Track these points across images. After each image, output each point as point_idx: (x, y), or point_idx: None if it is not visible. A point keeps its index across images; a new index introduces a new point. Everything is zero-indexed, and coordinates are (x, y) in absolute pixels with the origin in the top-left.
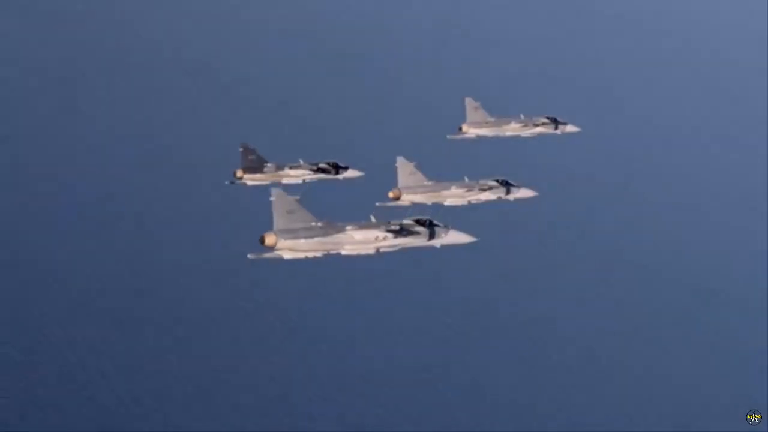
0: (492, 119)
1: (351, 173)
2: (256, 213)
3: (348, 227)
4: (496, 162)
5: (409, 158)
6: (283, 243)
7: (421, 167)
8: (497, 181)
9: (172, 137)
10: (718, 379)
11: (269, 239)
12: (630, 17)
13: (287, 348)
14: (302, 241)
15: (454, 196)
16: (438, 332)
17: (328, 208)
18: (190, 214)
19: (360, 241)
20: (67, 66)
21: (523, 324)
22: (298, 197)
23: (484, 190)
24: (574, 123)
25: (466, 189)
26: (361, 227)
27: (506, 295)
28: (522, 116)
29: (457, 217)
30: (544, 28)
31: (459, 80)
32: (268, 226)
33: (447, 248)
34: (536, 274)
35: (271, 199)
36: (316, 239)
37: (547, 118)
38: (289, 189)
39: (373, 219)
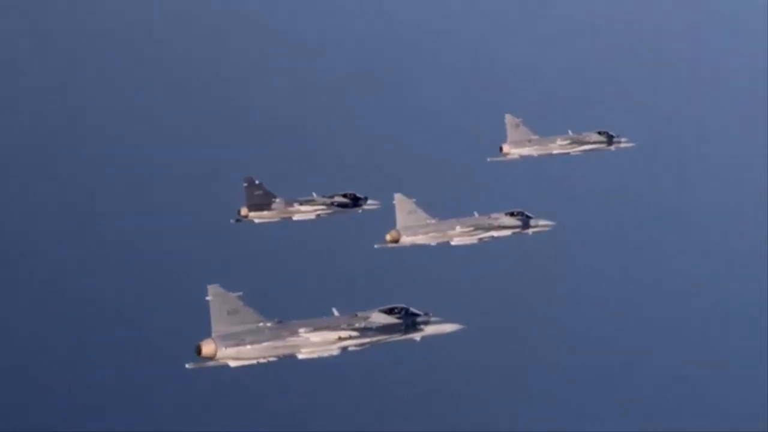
0: (536, 137)
1: (371, 205)
2: (264, 255)
3: (302, 329)
4: (541, 186)
5: (407, 194)
6: (224, 351)
7: (422, 204)
8: (512, 214)
9: (170, 170)
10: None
11: (207, 348)
12: (688, 32)
13: None
14: (248, 347)
15: (461, 236)
16: None
17: (334, 244)
18: (188, 261)
19: (318, 343)
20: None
21: None
22: (240, 293)
23: (495, 227)
24: (628, 138)
25: (473, 227)
26: (319, 327)
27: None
28: (570, 132)
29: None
30: (597, 38)
31: (498, 96)
32: (273, 274)
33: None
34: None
35: (207, 298)
36: (264, 344)
37: (599, 133)
38: (300, 226)
39: (335, 313)
